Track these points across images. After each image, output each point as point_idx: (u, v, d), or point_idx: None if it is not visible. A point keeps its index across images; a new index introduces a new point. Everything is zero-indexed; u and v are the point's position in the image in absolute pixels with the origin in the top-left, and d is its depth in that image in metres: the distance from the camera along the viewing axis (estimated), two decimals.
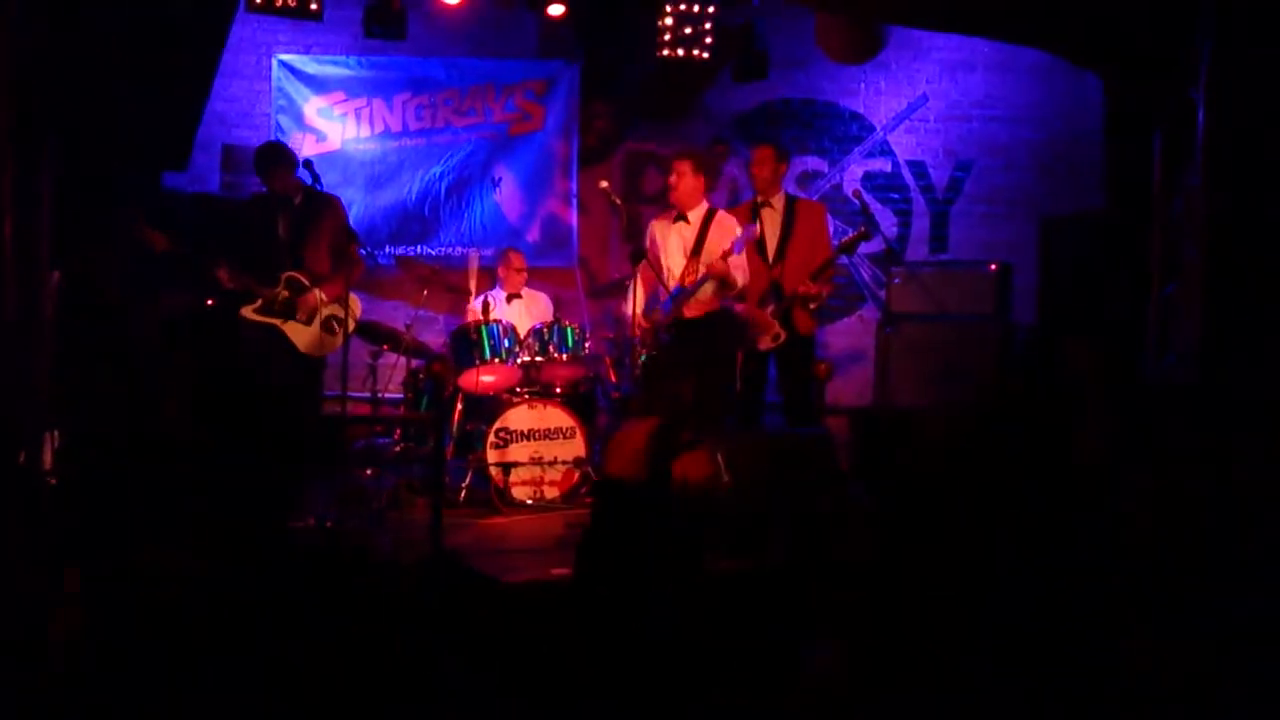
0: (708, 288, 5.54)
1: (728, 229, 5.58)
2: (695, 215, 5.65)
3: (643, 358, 5.56)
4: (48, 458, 4.47)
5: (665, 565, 3.17)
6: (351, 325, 5.64)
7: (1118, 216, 6.48)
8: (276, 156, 5.53)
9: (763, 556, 3.99)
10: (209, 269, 5.33)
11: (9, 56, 4.08)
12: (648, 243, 5.76)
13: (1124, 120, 6.62)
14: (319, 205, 5.56)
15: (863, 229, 5.99)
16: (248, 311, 5.45)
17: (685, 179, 5.60)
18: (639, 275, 5.63)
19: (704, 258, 5.55)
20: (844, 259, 6.64)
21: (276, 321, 5.47)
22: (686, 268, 5.55)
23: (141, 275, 5.74)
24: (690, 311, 5.55)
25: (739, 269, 5.49)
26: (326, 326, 5.47)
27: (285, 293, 5.46)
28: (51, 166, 4.33)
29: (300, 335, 5.49)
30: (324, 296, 5.43)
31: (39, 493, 4.32)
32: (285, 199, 5.53)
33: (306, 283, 5.48)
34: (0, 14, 4.08)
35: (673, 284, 5.57)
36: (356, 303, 5.72)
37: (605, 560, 3.10)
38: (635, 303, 5.56)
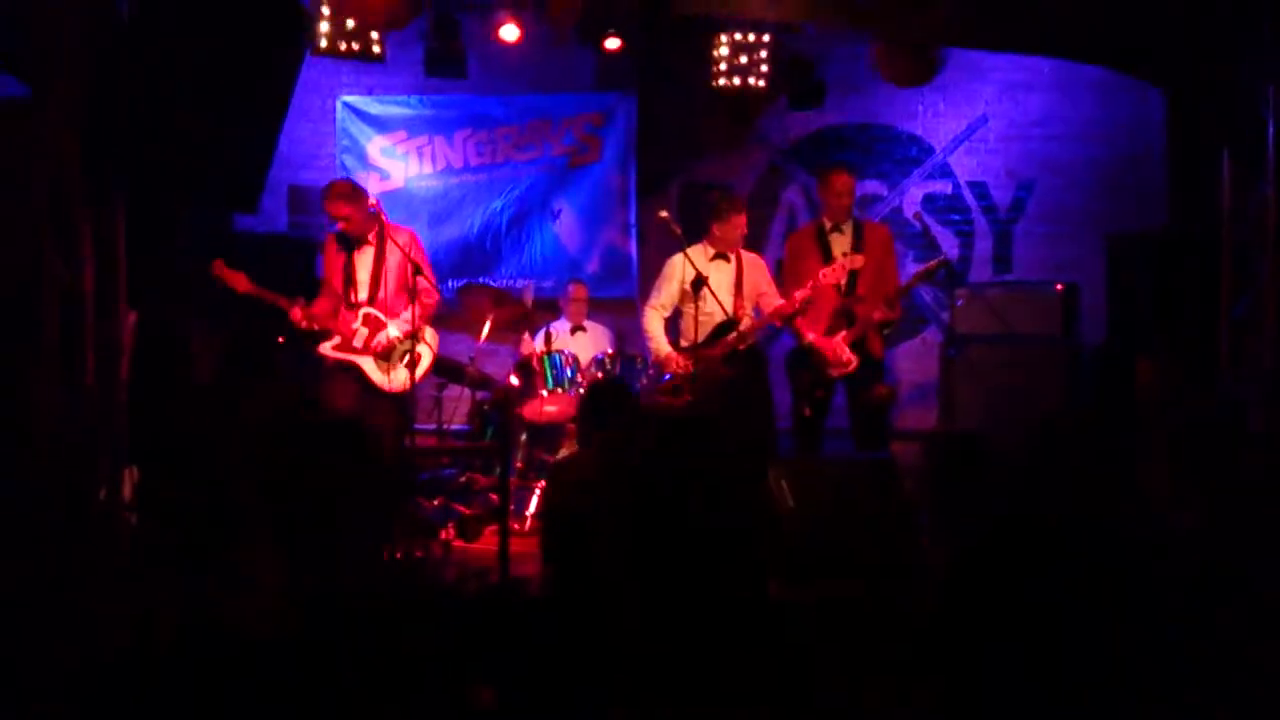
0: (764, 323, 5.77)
1: (760, 265, 5.96)
2: (732, 255, 5.82)
3: (686, 394, 5.60)
4: (127, 493, 4.60)
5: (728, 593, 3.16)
6: (431, 359, 5.67)
7: (1185, 234, 6.37)
8: (348, 193, 5.58)
9: (824, 586, 3.95)
10: (286, 309, 5.43)
11: (84, 105, 4.24)
12: (675, 277, 5.82)
13: (1189, 137, 6.51)
14: (394, 240, 5.58)
15: (944, 258, 6.04)
16: (325, 349, 5.53)
17: (743, 229, 5.83)
18: (650, 315, 5.81)
19: (746, 292, 5.75)
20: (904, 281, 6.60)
21: (353, 358, 5.54)
22: (735, 303, 5.66)
23: (216, 314, 5.89)
24: (743, 344, 5.66)
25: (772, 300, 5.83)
26: (403, 361, 5.50)
27: (363, 329, 5.52)
28: (125, 210, 4.48)
29: (377, 371, 5.53)
30: (400, 333, 5.47)
31: (119, 528, 4.43)
32: (360, 236, 5.60)
33: (383, 318, 5.54)
34: (74, 63, 4.24)
35: (721, 316, 5.63)
36: (434, 336, 5.73)
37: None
38: (661, 340, 5.80)
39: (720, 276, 5.72)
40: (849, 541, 4.40)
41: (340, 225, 5.55)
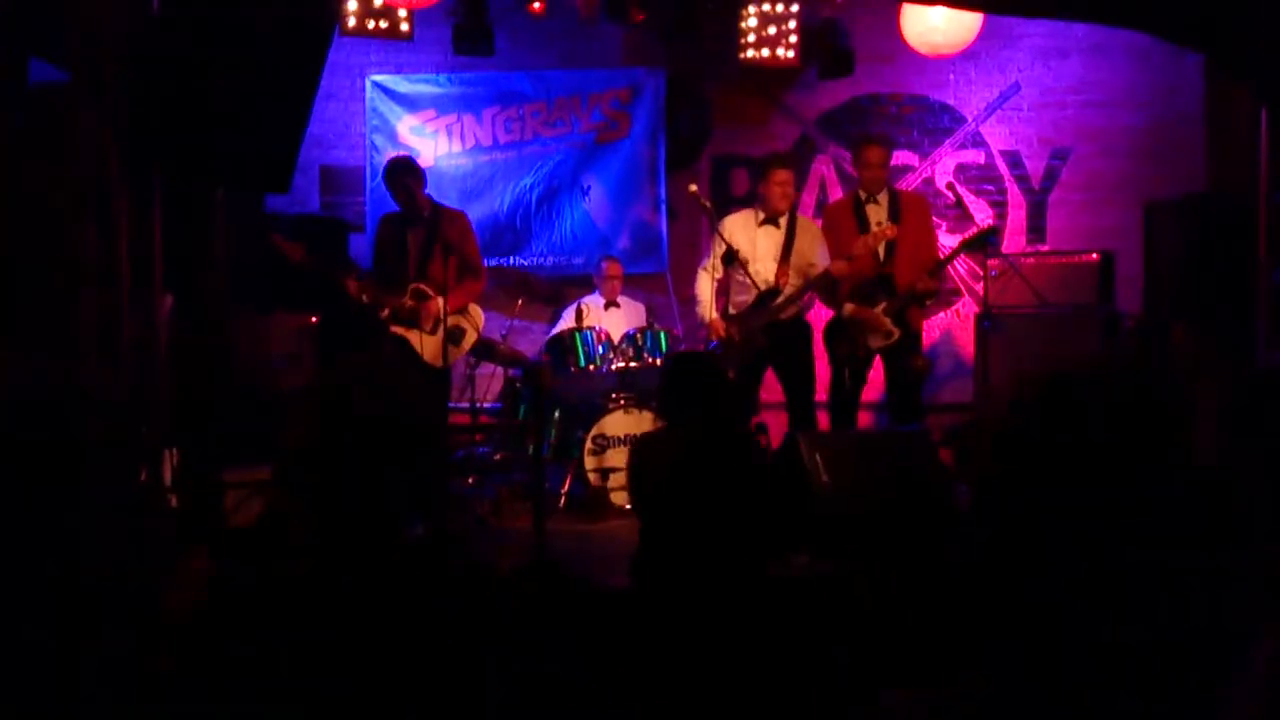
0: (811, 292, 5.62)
1: (814, 233, 5.69)
2: (784, 220, 5.65)
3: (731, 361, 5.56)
4: (168, 475, 4.66)
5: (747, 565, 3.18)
6: (475, 336, 5.81)
7: (1223, 199, 6.27)
8: (412, 170, 5.72)
9: (858, 559, 3.95)
10: (339, 281, 5.54)
11: (120, 90, 4.27)
12: (726, 241, 5.73)
13: (1226, 100, 6.40)
14: (446, 219, 5.74)
15: (989, 224, 5.96)
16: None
17: (789, 186, 5.66)
18: (701, 277, 5.73)
19: (794, 261, 5.56)
20: (945, 250, 6.54)
21: (403, 330, 5.64)
22: (779, 271, 5.56)
23: (252, 296, 5.95)
24: (785, 314, 5.58)
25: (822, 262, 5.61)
26: (450, 337, 5.61)
27: (411, 302, 5.63)
28: (160, 192, 4.52)
29: (425, 344, 5.65)
30: (447, 306, 5.56)
31: (161, 509, 4.50)
32: (416, 214, 5.69)
33: (430, 293, 5.65)
34: (110, 48, 4.28)
35: (764, 285, 5.56)
36: (479, 313, 5.87)
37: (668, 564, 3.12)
38: (708, 306, 5.63)
39: (767, 242, 5.67)
40: (883, 514, 4.40)
41: (402, 201, 5.65)
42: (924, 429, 5.21)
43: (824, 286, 5.60)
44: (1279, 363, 5.19)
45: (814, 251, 5.64)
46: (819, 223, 5.99)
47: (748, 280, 5.55)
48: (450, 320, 5.57)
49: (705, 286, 5.76)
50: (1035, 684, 1.36)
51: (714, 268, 5.69)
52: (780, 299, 5.54)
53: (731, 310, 5.75)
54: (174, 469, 4.73)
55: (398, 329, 5.68)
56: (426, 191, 5.71)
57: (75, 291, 4.29)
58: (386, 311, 5.65)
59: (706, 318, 5.73)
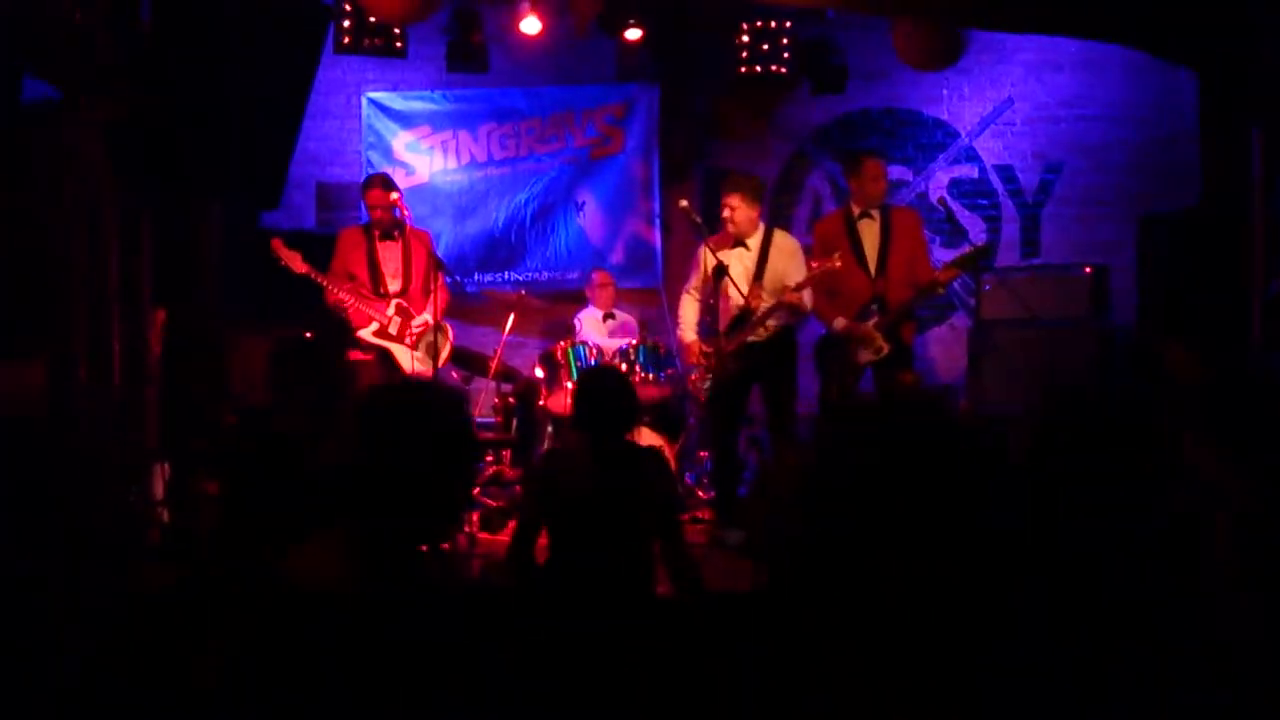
0: (778, 313, 5.47)
1: (789, 250, 5.55)
2: (754, 241, 5.53)
3: (707, 383, 5.52)
4: (158, 489, 4.67)
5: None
6: (448, 351, 5.82)
7: (1216, 215, 6.27)
8: (389, 185, 5.76)
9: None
10: (335, 292, 5.58)
11: (111, 107, 4.30)
12: (702, 265, 5.68)
13: (1220, 116, 6.41)
14: (416, 236, 5.82)
15: (979, 245, 5.90)
16: (364, 333, 5.69)
17: (739, 211, 5.45)
18: (684, 300, 5.69)
19: (767, 281, 5.46)
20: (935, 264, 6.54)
21: (389, 345, 5.68)
22: (751, 292, 5.46)
23: (244, 310, 5.98)
24: (756, 336, 5.48)
25: (806, 293, 5.43)
26: (428, 351, 5.65)
27: (397, 318, 5.67)
28: (153, 208, 4.55)
29: (407, 359, 5.70)
30: (431, 321, 5.61)
31: (150, 524, 4.51)
32: (387, 230, 5.74)
33: (413, 310, 5.71)
34: (102, 67, 4.31)
35: (736, 308, 5.49)
36: (449, 329, 5.91)
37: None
38: (688, 328, 5.62)
39: (739, 265, 5.56)
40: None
41: (377, 215, 5.71)
42: None
43: (791, 308, 5.47)
44: (1271, 376, 5.19)
45: (789, 269, 5.50)
46: (813, 235, 5.97)
47: (726, 300, 5.51)
48: (431, 334, 5.63)
49: (687, 309, 5.71)
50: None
51: (695, 289, 5.68)
52: (751, 321, 5.46)
53: (721, 329, 5.70)
54: (165, 482, 4.75)
55: (381, 342, 5.71)
56: (396, 210, 5.71)
57: (66, 305, 4.31)
58: (376, 327, 5.68)
59: (684, 340, 5.70)
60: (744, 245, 5.51)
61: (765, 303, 5.40)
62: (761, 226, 5.59)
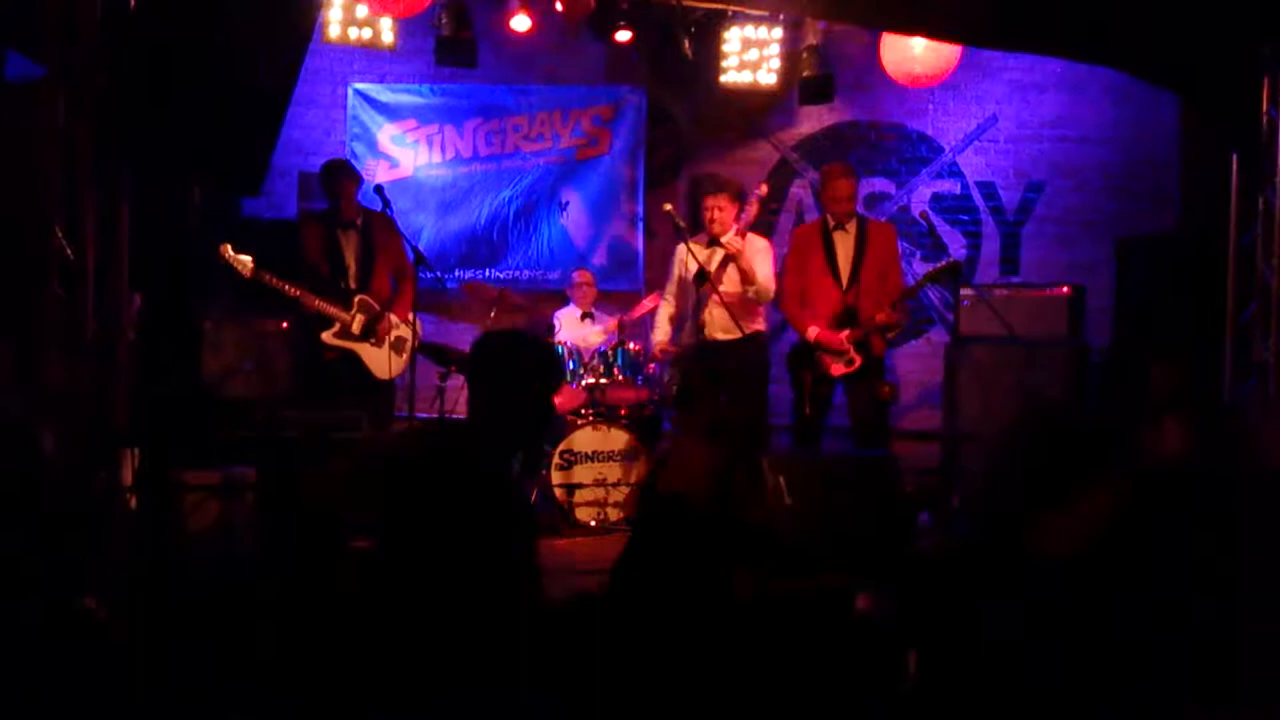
0: (731, 291, 5.58)
1: (758, 248, 5.81)
2: (731, 243, 5.68)
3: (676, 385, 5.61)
4: (128, 475, 4.62)
5: (716, 583, 3.16)
6: (415, 342, 5.75)
7: (1194, 238, 6.33)
8: (347, 172, 5.65)
9: (820, 579, 3.95)
10: (291, 294, 5.46)
11: (94, 87, 4.26)
12: (676, 267, 5.85)
13: (1200, 140, 6.48)
14: (380, 226, 5.67)
15: (953, 260, 5.98)
16: (327, 336, 5.61)
17: (726, 212, 5.71)
18: (663, 298, 5.81)
19: (735, 277, 5.65)
20: (910, 281, 6.58)
21: (352, 345, 5.60)
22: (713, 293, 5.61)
23: (220, 298, 5.92)
24: (719, 335, 5.62)
25: (763, 274, 5.68)
26: (396, 348, 5.59)
27: (360, 316, 5.59)
28: (130, 192, 4.50)
29: (373, 358, 5.62)
30: (395, 317, 5.55)
31: (118, 509, 4.46)
32: (349, 220, 5.64)
33: (377, 307, 5.61)
34: (85, 46, 4.27)
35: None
36: (418, 324, 5.82)
37: (651, 575, 3.09)
38: (660, 329, 5.85)
39: (714, 264, 5.72)
40: (845, 538, 4.41)
41: (343, 204, 5.61)
42: (889, 455, 5.22)
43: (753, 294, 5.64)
44: (1245, 398, 5.25)
45: (753, 268, 5.68)
46: (789, 242, 6.06)
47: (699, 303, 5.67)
48: (396, 332, 5.58)
49: (662, 310, 5.96)
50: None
51: (671, 295, 5.82)
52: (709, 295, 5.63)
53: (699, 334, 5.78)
54: (134, 469, 4.70)
55: (343, 344, 5.62)
56: (361, 197, 5.63)
57: (40, 287, 4.26)
58: (337, 327, 5.59)
59: (655, 339, 5.93)
60: (718, 244, 5.68)
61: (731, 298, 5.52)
62: (734, 227, 5.71)
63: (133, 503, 4.64)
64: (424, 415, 6.14)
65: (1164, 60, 5.44)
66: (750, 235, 5.81)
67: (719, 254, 5.67)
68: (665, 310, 5.97)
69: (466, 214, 7.48)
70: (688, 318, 5.86)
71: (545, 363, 2.79)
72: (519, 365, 2.64)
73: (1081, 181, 7.39)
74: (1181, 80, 5.75)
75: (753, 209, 5.72)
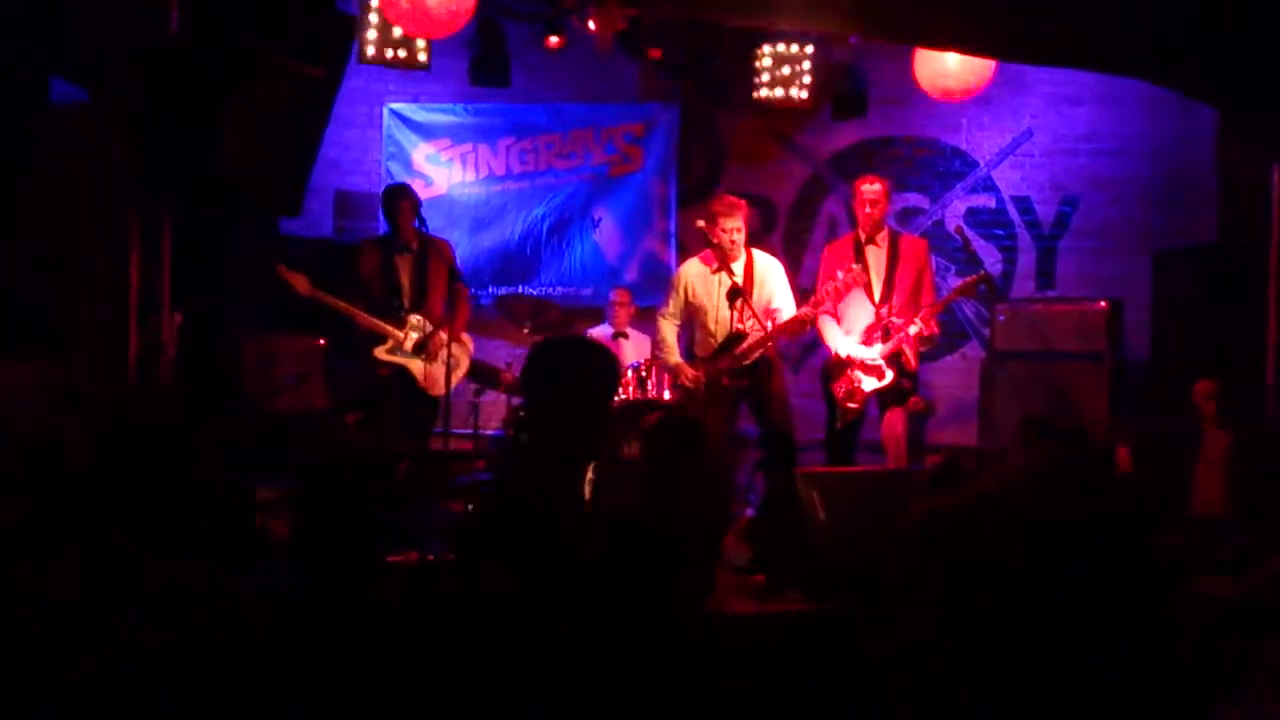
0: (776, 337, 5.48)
1: (774, 270, 5.59)
2: (740, 265, 5.51)
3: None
4: None
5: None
6: (467, 364, 5.87)
7: (1233, 251, 6.26)
8: (406, 197, 5.75)
9: (853, 600, 3.92)
10: (344, 311, 5.58)
11: (136, 111, 4.34)
12: (680, 288, 5.65)
13: (1239, 152, 6.41)
14: (434, 249, 5.77)
15: (985, 272, 5.88)
16: (380, 352, 5.70)
17: (734, 233, 5.43)
18: (662, 325, 5.65)
19: (755, 302, 5.44)
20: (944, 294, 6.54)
21: (404, 361, 5.70)
22: (740, 315, 5.42)
23: (260, 314, 6.00)
24: (750, 359, 5.48)
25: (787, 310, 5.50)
26: (446, 365, 5.65)
27: (413, 333, 5.68)
28: (171, 213, 4.58)
29: (424, 374, 5.71)
30: (445, 337, 5.60)
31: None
32: (405, 243, 5.75)
33: (429, 325, 5.71)
34: (128, 71, 4.35)
35: (722, 330, 5.49)
36: (469, 342, 5.94)
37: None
38: (673, 349, 5.60)
39: (720, 287, 5.47)
40: (879, 555, 4.38)
41: (401, 227, 5.70)
42: (922, 469, 5.19)
43: (792, 330, 5.50)
44: None
45: (772, 292, 5.52)
46: (820, 258, 5.99)
47: (713, 325, 5.49)
48: (446, 349, 5.63)
49: (667, 331, 5.65)
50: None
51: (671, 315, 5.64)
52: (745, 344, 5.45)
53: (697, 353, 5.68)
54: None
55: (396, 360, 5.71)
56: (415, 222, 5.71)
57: (87, 306, 4.35)
58: (389, 344, 5.69)
59: (671, 361, 5.62)
60: (726, 269, 5.47)
61: (754, 325, 5.39)
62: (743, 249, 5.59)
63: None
64: (459, 431, 6.18)
65: (1202, 73, 5.39)
66: (759, 254, 5.61)
67: (726, 278, 5.43)
68: (669, 329, 5.67)
69: (500, 231, 7.53)
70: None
71: (608, 367, 2.67)
72: (582, 371, 2.51)
73: (1117, 195, 7.33)
74: (1220, 93, 5.69)
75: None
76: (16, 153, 4.36)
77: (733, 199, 5.59)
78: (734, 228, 5.44)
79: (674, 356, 5.62)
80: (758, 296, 5.50)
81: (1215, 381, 5.18)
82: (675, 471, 2.97)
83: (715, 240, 5.46)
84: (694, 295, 5.57)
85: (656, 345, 5.81)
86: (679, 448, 3.06)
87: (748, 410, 5.61)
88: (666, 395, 5.86)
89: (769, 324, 5.39)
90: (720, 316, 5.45)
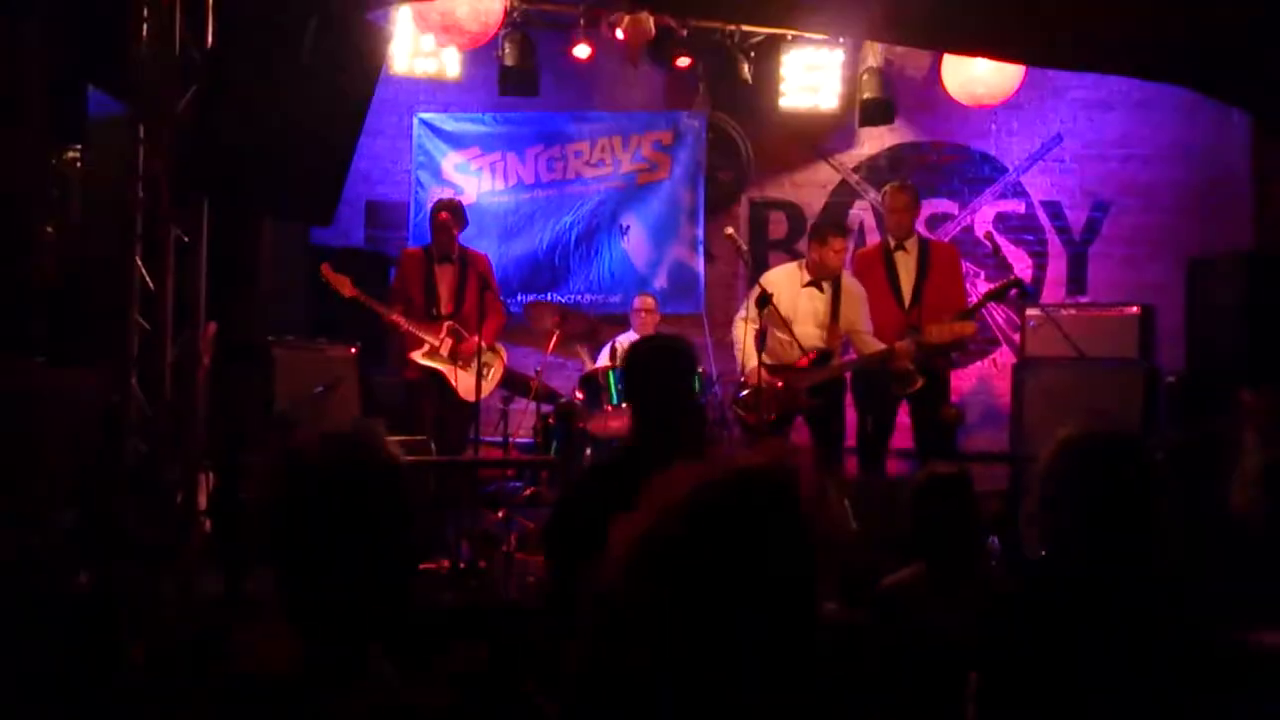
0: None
1: (859, 296, 5.66)
2: (828, 283, 5.63)
3: (771, 413, 5.51)
4: (203, 499, 4.73)
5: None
6: (501, 372, 5.99)
7: (1269, 257, 6.20)
8: (458, 213, 5.91)
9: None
10: (386, 315, 5.72)
11: (167, 123, 4.40)
12: (770, 295, 5.66)
13: (1274, 157, 6.35)
14: (471, 260, 5.96)
15: (1015, 277, 5.89)
16: (415, 356, 5.81)
17: (844, 254, 5.64)
18: (739, 325, 5.67)
19: (842, 323, 5.60)
20: (974, 300, 6.51)
21: (439, 366, 5.77)
22: (829, 333, 5.58)
23: (292, 324, 6.07)
24: (830, 376, 5.58)
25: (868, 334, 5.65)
26: (481, 373, 5.71)
27: (449, 340, 5.77)
28: (206, 223, 4.63)
29: (459, 380, 5.79)
30: (482, 343, 5.66)
31: (194, 532, 4.57)
32: (446, 253, 5.90)
33: (465, 332, 5.80)
34: (165, 79, 4.41)
35: (809, 345, 5.57)
36: (503, 351, 6.06)
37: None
38: (750, 354, 5.49)
39: (811, 305, 5.60)
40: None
41: (442, 238, 5.88)
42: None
43: (888, 359, 5.55)
44: None
45: (858, 315, 5.61)
46: (851, 266, 5.98)
47: (787, 336, 5.51)
48: (482, 356, 5.69)
49: (743, 334, 5.62)
50: None
51: (750, 319, 5.63)
52: (835, 364, 5.56)
53: (767, 360, 5.67)
54: (209, 493, 4.81)
55: (431, 364, 5.81)
56: (458, 234, 5.93)
57: (123, 316, 4.40)
58: (426, 348, 5.78)
59: (748, 365, 5.56)
60: (817, 287, 5.57)
61: (839, 344, 5.56)
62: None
63: (207, 526, 4.75)
64: (488, 439, 6.20)
65: (1237, 78, 5.34)
66: (847, 277, 5.71)
67: (816, 295, 5.63)
68: (746, 333, 5.59)
69: (528, 239, 7.57)
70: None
71: (692, 361, 2.82)
72: (673, 367, 2.64)
73: (1150, 200, 7.27)
74: (1255, 98, 5.64)
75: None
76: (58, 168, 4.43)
77: (838, 224, 6.00)
78: (844, 249, 5.67)
79: (751, 360, 5.52)
80: (845, 321, 5.62)
81: (1267, 393, 5.11)
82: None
83: (818, 258, 5.59)
84: (779, 304, 5.52)
85: (734, 343, 5.80)
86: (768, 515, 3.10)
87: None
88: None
89: (859, 349, 5.63)
90: (805, 331, 5.50)
